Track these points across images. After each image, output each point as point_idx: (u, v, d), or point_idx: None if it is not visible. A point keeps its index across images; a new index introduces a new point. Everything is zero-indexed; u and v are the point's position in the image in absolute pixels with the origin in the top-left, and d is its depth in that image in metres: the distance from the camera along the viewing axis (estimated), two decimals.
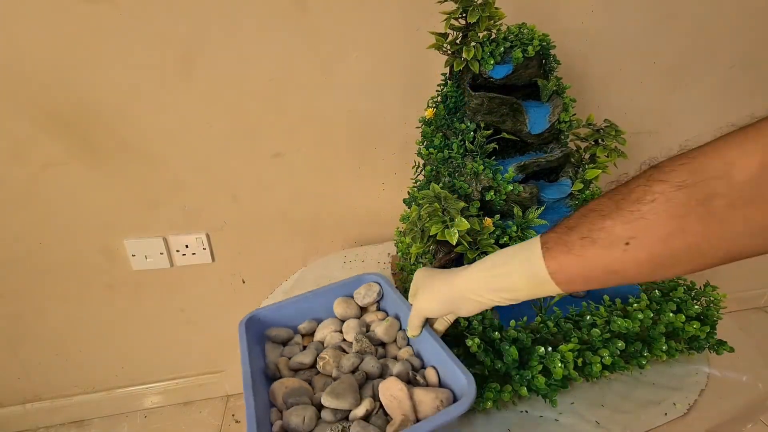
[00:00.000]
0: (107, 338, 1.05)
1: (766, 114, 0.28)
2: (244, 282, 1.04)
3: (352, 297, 0.67)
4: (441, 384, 0.52)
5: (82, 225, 0.89)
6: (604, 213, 0.33)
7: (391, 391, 0.48)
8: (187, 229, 0.94)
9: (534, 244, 0.38)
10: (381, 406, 0.49)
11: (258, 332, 0.62)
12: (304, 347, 0.62)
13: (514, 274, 0.39)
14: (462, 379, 0.47)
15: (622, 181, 0.34)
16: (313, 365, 0.58)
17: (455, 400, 0.48)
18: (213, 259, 0.99)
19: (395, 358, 0.57)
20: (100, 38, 0.73)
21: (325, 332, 0.63)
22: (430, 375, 0.52)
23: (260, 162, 0.89)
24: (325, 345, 0.61)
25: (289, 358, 0.59)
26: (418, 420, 0.46)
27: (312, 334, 0.65)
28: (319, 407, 0.50)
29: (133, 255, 0.94)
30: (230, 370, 1.19)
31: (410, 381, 0.52)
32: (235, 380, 1.21)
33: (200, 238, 0.95)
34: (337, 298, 0.66)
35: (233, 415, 1.18)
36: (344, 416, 0.49)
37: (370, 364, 0.54)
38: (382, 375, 0.54)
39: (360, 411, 0.48)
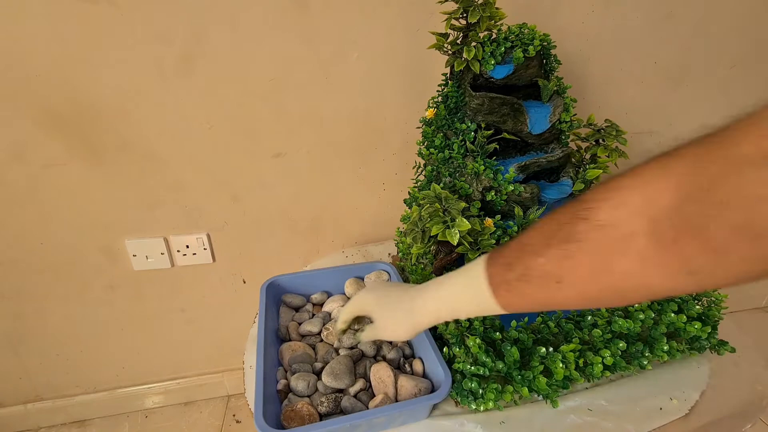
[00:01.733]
0: (108, 338, 1.05)
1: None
2: (244, 282, 1.04)
3: (363, 279, 0.72)
4: (425, 375, 0.58)
5: (82, 225, 0.89)
6: (536, 251, 0.34)
7: (380, 374, 0.56)
8: (188, 229, 0.94)
9: (481, 282, 0.39)
10: (370, 385, 0.56)
11: (276, 296, 0.70)
12: (314, 315, 0.69)
13: (463, 309, 0.43)
14: (441, 374, 0.53)
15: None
16: (319, 333, 0.64)
17: (433, 390, 0.54)
18: (214, 259, 0.99)
19: (391, 343, 0.63)
20: (100, 38, 0.73)
21: (334, 305, 0.69)
22: (417, 365, 0.58)
23: (261, 162, 0.89)
24: (331, 317, 0.68)
25: (299, 324, 0.66)
26: (397, 401, 0.53)
27: (322, 304, 0.71)
28: (319, 374, 0.57)
29: (134, 255, 0.94)
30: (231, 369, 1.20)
31: (399, 367, 0.59)
32: (235, 380, 1.21)
33: (201, 238, 0.95)
34: (349, 278, 0.72)
35: (234, 415, 1.18)
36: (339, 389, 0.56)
37: (367, 345, 0.61)
38: (377, 355, 0.61)
39: (353, 390, 0.55)
